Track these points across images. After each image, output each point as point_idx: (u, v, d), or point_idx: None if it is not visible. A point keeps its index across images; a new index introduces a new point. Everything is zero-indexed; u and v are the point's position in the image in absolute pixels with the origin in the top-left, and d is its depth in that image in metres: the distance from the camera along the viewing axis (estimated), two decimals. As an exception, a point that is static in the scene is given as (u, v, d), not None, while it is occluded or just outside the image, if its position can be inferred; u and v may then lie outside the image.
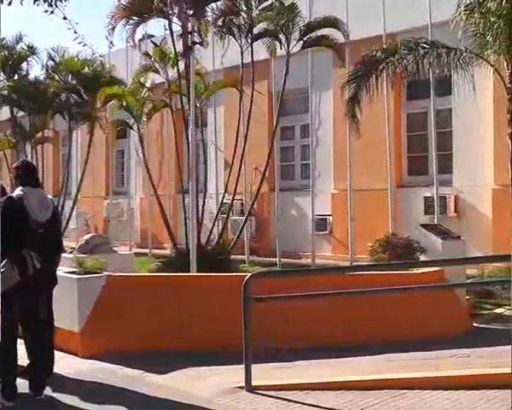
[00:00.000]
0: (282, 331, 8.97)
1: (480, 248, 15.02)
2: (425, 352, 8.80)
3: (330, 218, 19.50)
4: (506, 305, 11.50)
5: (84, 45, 14.26)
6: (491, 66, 13.95)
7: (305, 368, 8.33)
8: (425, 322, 9.65)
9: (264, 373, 7.88)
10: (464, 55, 13.65)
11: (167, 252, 19.70)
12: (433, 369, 8.04)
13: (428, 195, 16.96)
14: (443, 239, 11.46)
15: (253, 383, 7.46)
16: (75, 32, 12.05)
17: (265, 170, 16.68)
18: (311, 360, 8.60)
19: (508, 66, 13.68)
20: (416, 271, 10.15)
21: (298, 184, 20.85)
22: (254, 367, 7.55)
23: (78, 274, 9.48)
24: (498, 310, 11.28)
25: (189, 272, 11.94)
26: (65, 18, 10.87)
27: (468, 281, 11.38)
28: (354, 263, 16.40)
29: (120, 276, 9.82)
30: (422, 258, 11.36)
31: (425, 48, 13.68)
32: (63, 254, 8.25)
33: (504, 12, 13.02)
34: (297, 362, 8.54)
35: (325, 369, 8.26)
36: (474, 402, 7.03)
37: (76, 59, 20.66)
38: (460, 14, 14.01)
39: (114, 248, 14.41)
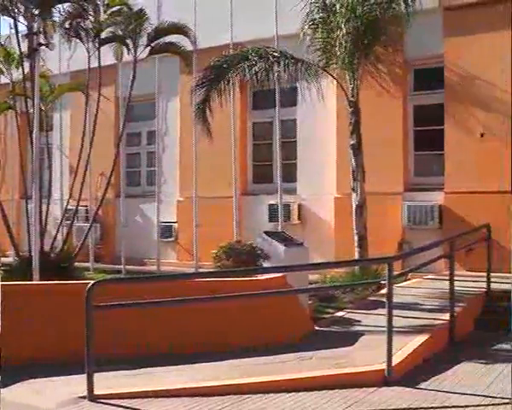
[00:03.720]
0: (127, 339, 8.92)
1: (323, 254, 15.45)
2: (269, 356, 8.94)
3: (176, 225, 19.52)
4: (346, 308, 11.90)
5: None
6: (336, 79, 14.45)
7: (150, 375, 8.28)
8: (268, 327, 9.81)
9: (109, 381, 7.78)
10: (311, 67, 14.06)
11: (10, 260, 19.05)
12: (278, 372, 8.20)
13: (273, 202, 17.28)
14: (286, 246, 11.68)
15: (97, 391, 7.35)
16: None
17: (111, 176, 16.46)
18: (157, 367, 8.56)
19: (350, 80, 14.23)
20: (259, 277, 10.31)
21: (144, 190, 20.74)
22: (99, 376, 7.45)
23: None
24: (339, 313, 11.61)
25: (32, 280, 11.60)
26: None
27: (311, 286, 11.68)
28: (199, 270, 16.46)
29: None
30: (266, 264, 11.54)
31: (275, 56, 13.96)
32: None
33: (350, 29, 13.54)
34: (142, 369, 8.47)
35: (170, 376, 8.24)
36: (316, 402, 7.24)
37: None
38: (307, 27, 14.47)
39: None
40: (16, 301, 9.10)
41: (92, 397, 7.30)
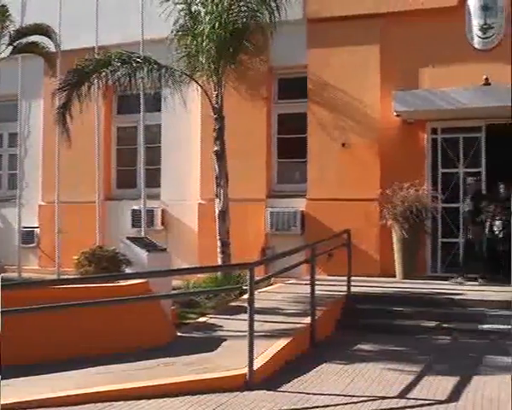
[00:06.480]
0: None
1: (186, 259, 15.51)
2: (130, 363, 8.85)
3: (37, 230, 19.06)
4: (209, 314, 11.94)
5: None
6: (200, 86, 14.49)
7: (10, 388, 7.97)
8: (131, 333, 9.71)
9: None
10: (175, 73, 14.06)
11: None
12: (139, 379, 8.12)
13: (136, 208, 17.16)
14: (148, 252, 11.61)
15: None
16: None
17: (-31, 179, 15.93)
18: (14, 378, 8.21)
19: (215, 87, 14.30)
20: (121, 283, 10.19)
21: (4, 194, 20.13)
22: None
23: None
24: (202, 319, 11.62)
25: None
26: None
27: (174, 292, 11.64)
28: (61, 276, 16.10)
29: None
30: (128, 270, 11.43)
31: (138, 62, 13.87)
32: None
33: (215, 37, 13.61)
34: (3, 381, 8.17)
35: (31, 387, 7.98)
36: (178, 408, 7.25)
37: None
38: (173, 33, 14.43)
39: None
40: None
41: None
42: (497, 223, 14.21)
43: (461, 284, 13.80)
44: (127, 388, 7.79)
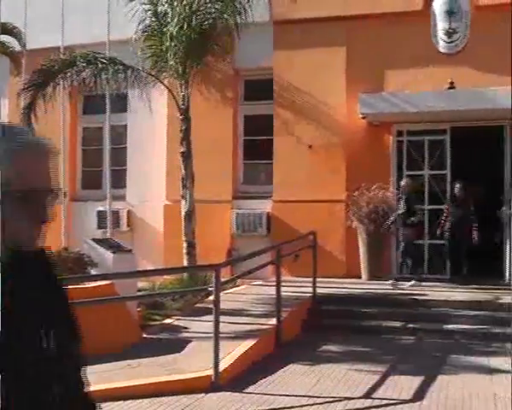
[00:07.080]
0: None
1: (152, 261, 15.40)
2: (96, 365, 8.76)
3: (1, 231, 18.85)
4: (175, 315, 11.89)
5: None
6: (167, 87, 14.43)
7: None
8: (96, 335, 9.54)
9: None
10: (141, 74, 13.99)
11: None
12: (105, 381, 8.05)
13: (102, 209, 17.05)
14: (114, 253, 11.52)
15: None
16: None
17: None
18: None
19: (181, 88, 14.26)
20: (86, 285, 10.09)
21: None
22: None
23: None
24: (168, 320, 11.58)
25: None
26: None
27: (139, 293, 11.58)
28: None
29: None
30: (94, 272, 11.33)
31: (103, 63, 13.79)
32: None
33: (184, 38, 13.56)
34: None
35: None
36: (146, 408, 7.20)
37: None
38: (139, 34, 14.35)
39: None
40: None
41: None
42: (448, 224, 14.25)
43: (397, 286, 13.68)
44: (92, 390, 7.70)
